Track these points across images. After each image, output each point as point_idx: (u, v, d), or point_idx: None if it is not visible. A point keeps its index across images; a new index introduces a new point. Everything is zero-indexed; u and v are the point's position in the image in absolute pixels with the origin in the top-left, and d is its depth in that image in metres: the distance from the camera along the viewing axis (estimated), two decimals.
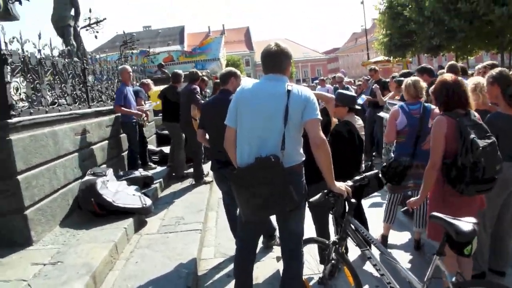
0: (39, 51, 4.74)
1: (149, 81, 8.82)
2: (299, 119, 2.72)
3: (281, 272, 3.16)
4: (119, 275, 3.83)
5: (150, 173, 6.81)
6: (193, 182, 7.35)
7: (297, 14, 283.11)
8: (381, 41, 28.42)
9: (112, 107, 7.19)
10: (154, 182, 6.74)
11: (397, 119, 4.38)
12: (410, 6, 23.57)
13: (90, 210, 4.98)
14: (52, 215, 4.65)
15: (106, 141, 6.79)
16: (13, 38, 4.16)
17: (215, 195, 6.95)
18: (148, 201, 5.30)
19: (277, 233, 4.62)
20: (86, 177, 5.33)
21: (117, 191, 5.24)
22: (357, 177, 3.21)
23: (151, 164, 8.10)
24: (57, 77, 5.21)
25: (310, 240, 3.47)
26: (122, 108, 6.79)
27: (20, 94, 4.29)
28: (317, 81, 22.66)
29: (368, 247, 3.03)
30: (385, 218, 4.65)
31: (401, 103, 4.85)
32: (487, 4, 17.87)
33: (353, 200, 2.94)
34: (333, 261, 3.19)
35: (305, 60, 69.78)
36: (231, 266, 4.19)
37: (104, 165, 6.50)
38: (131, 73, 7.36)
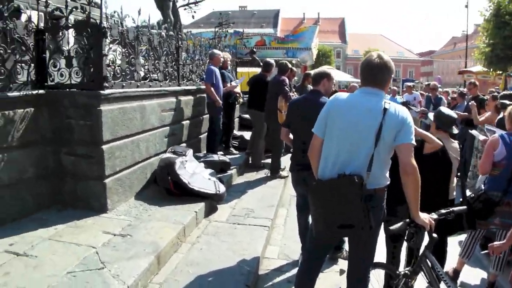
0: (137, 27, 4.82)
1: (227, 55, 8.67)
2: (392, 140, 2.51)
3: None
4: (183, 259, 3.82)
5: (227, 158, 6.77)
6: (268, 174, 7.23)
7: (395, 10, 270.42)
8: (482, 51, 25.97)
9: (201, 87, 7.28)
10: (231, 168, 6.71)
11: (496, 150, 3.94)
12: None
13: (165, 187, 5.05)
14: (129, 186, 4.78)
15: (189, 121, 6.88)
16: (114, 12, 4.27)
17: (288, 191, 6.77)
18: (222, 188, 5.27)
19: (345, 246, 4.45)
20: (167, 154, 5.41)
21: (194, 172, 5.26)
22: (443, 211, 2.88)
23: (232, 149, 8.11)
24: (151, 53, 5.30)
25: (380, 265, 3.26)
26: (212, 88, 6.79)
27: (115, 67, 4.40)
28: (404, 88, 21.31)
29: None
30: (462, 252, 4.23)
31: (501, 131, 4.32)
32: None
33: (434, 235, 2.68)
34: None
35: (398, 59, 66.46)
36: (294, 271, 4.06)
37: (184, 144, 6.60)
38: (222, 58, 7.34)
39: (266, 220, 5.06)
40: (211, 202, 5.19)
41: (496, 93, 7.73)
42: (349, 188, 2.50)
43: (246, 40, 16.16)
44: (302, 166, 4.02)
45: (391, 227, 2.67)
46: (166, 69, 5.84)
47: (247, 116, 10.58)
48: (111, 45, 4.25)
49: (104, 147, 4.22)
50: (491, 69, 24.47)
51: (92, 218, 4.15)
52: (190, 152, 5.79)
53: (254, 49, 8.52)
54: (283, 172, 7.22)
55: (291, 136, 4.27)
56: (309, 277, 3.04)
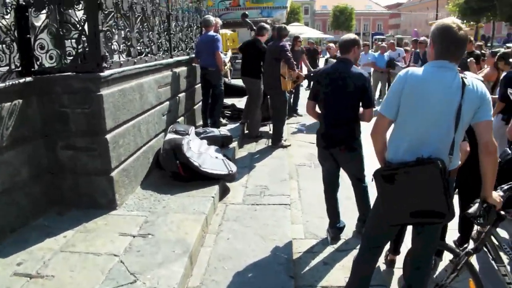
0: None
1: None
2: (470, 118, 2.29)
3: (381, 267, 3.27)
4: (212, 254, 3.47)
5: (229, 132, 6.37)
6: (269, 144, 6.90)
7: None
8: (457, 3, 25.87)
9: (192, 56, 6.81)
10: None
11: None
12: None
13: (172, 171, 4.63)
14: (134, 175, 4.35)
15: (183, 93, 6.39)
16: None
17: (292, 160, 6.49)
18: (234, 167, 4.89)
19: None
20: (170, 135, 4.96)
21: (200, 152, 4.84)
22: (506, 186, 2.68)
23: (222, 119, 7.67)
24: (145, 24, 4.72)
25: (441, 245, 3.02)
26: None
27: (111, 44, 3.84)
28: (382, 42, 20.78)
29: (504, 264, 2.63)
30: None
31: None
32: None
33: (502, 213, 2.48)
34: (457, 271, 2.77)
35: (366, 13, 66.09)
36: (326, 251, 3.89)
37: (181, 119, 6.15)
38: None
39: (284, 197, 4.75)
40: (223, 183, 4.82)
41: (495, 50, 7.48)
42: (430, 173, 2.24)
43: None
44: (332, 141, 3.74)
45: (469, 211, 2.45)
46: (160, 41, 5.28)
47: (233, 82, 10.10)
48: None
49: (108, 136, 3.74)
50: (465, 21, 24.49)
51: (102, 218, 3.72)
52: (192, 130, 5.36)
53: (247, 13, 7.90)
54: (285, 142, 6.90)
55: (317, 109, 3.91)
56: (369, 266, 2.81)
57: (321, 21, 64.05)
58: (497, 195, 2.44)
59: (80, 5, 3.58)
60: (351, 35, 3.85)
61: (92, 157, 3.77)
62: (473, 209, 2.45)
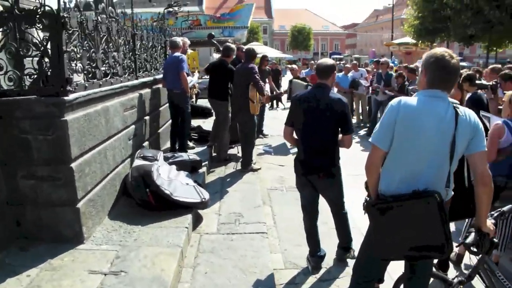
0: (97, 13, 4.00)
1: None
2: (464, 148, 2.24)
3: None
4: None
5: (197, 156, 6.13)
6: (238, 168, 6.72)
7: None
8: (412, 23, 27.03)
9: (156, 77, 6.55)
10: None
11: (501, 137, 3.76)
12: None
13: (142, 200, 4.34)
14: (101, 205, 4.04)
15: (148, 116, 6.11)
16: None
17: (263, 185, 6.31)
18: (206, 194, 4.65)
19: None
20: (137, 162, 4.68)
21: (170, 179, 4.58)
22: (495, 213, 2.68)
23: (189, 143, 7.42)
24: (110, 44, 4.47)
25: (432, 275, 2.93)
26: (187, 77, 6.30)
27: (76, 65, 3.57)
28: (344, 62, 21.28)
29: None
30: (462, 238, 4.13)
31: (503, 118, 4.18)
32: None
33: (495, 240, 2.44)
34: None
35: (324, 33, 67.90)
36: (308, 282, 3.74)
37: (147, 143, 5.87)
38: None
39: (260, 225, 4.57)
40: (196, 211, 4.58)
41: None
42: (427, 206, 2.15)
43: (183, 19, 15.20)
44: (311, 168, 3.64)
45: (467, 241, 2.39)
46: (125, 61, 5.03)
47: (199, 104, 9.89)
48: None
49: (74, 164, 3.44)
50: (420, 41, 25.54)
51: (69, 254, 3.38)
52: (160, 155, 5.10)
53: (213, 33, 7.70)
54: (255, 165, 6.75)
55: (294, 135, 3.78)
56: None
57: (279, 40, 65.16)
58: (490, 223, 2.39)
59: (42, 23, 3.30)
60: (329, 60, 3.77)
61: (56, 187, 3.45)
62: (470, 238, 2.39)
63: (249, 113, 6.16)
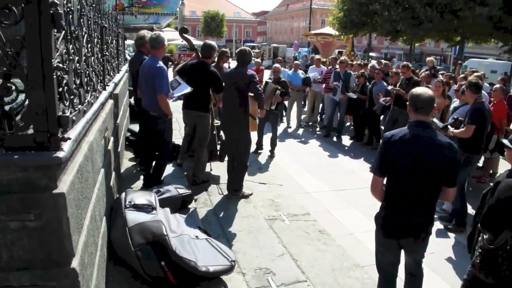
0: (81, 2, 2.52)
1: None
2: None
3: None
4: None
5: (186, 188, 4.74)
6: (223, 193, 5.48)
7: None
8: (337, 16, 27.18)
9: (114, 83, 4.89)
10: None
11: None
12: None
13: (153, 277, 2.97)
14: None
15: (112, 137, 4.56)
16: None
17: (261, 214, 5.12)
18: (230, 253, 3.40)
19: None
20: (130, 215, 3.24)
21: (179, 235, 3.25)
22: None
23: None
24: (89, 46, 2.95)
25: None
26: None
27: (64, 87, 2.08)
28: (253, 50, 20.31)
29: None
30: None
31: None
32: (465, 1, 17.38)
33: None
34: None
35: (236, 20, 66.72)
36: None
37: (113, 175, 4.36)
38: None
39: (303, 285, 3.48)
40: (220, 279, 3.31)
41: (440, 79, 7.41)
42: None
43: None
44: (408, 229, 2.85)
45: None
46: (98, 68, 3.50)
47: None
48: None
49: (76, 263, 2.00)
50: (344, 33, 25.74)
51: None
52: (155, 199, 3.68)
53: (186, 28, 6.14)
54: (246, 190, 5.54)
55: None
56: None
57: (190, 26, 62.68)
58: None
59: (9, 15, 1.79)
60: (428, 91, 2.84)
61: None
62: None
63: (247, 130, 4.94)
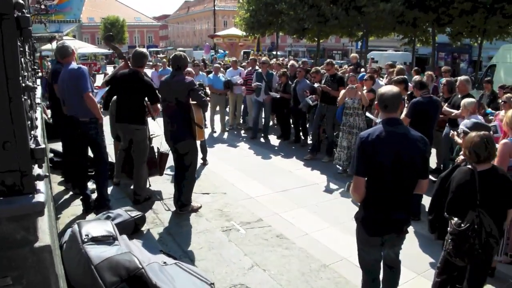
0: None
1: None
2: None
3: None
4: None
5: (137, 210, 4.35)
6: (168, 208, 5.16)
7: None
8: (243, 17, 27.43)
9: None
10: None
11: None
12: None
13: None
14: None
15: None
16: None
17: (212, 226, 4.89)
18: (206, 275, 3.16)
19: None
20: (91, 250, 2.84)
21: (151, 264, 2.94)
22: None
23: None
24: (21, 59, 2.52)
25: None
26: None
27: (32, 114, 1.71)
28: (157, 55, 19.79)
29: None
30: None
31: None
32: None
33: None
34: None
35: (137, 25, 64.56)
36: None
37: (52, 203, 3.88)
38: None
39: None
40: None
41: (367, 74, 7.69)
42: None
43: None
44: (392, 225, 2.92)
45: None
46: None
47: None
48: None
49: None
50: (251, 34, 26.07)
51: None
52: (114, 227, 3.30)
53: (112, 35, 5.58)
54: (195, 203, 5.27)
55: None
56: None
57: (89, 33, 59.49)
58: None
59: None
60: (394, 88, 2.95)
61: None
62: None
63: (194, 141, 4.68)
